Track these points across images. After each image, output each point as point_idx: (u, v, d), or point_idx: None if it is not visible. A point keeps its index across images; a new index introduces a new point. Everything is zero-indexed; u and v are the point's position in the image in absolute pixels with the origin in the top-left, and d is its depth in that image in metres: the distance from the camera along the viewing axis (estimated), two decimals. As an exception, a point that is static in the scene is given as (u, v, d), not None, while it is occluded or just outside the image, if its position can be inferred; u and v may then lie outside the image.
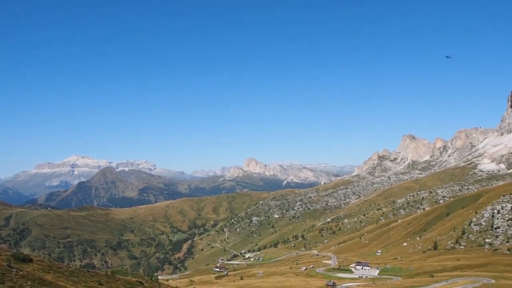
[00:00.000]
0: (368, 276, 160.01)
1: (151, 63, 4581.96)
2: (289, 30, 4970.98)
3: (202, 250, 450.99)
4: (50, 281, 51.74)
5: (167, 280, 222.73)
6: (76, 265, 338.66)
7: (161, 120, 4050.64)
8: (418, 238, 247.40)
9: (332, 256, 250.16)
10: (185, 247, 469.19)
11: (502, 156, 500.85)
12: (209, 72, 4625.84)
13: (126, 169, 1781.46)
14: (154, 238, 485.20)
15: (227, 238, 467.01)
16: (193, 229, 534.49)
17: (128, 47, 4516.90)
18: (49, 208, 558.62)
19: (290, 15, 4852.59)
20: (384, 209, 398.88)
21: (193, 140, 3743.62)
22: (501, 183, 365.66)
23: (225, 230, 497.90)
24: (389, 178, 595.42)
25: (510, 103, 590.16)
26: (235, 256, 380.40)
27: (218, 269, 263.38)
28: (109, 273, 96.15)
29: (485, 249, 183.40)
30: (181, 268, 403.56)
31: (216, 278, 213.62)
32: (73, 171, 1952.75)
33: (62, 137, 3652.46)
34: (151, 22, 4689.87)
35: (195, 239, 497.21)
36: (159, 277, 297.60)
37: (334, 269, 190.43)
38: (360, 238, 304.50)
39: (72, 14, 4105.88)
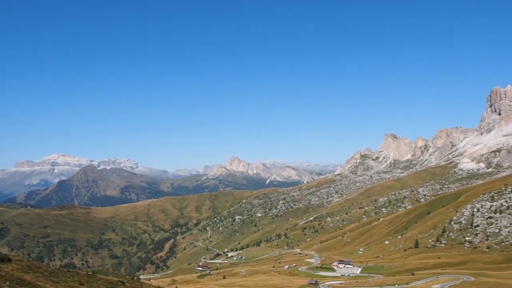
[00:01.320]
0: (351, 274, 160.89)
1: (132, 62, 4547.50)
2: (268, 30, 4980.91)
3: (184, 249, 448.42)
4: (29, 281, 50.56)
5: (149, 279, 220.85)
6: (56, 265, 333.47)
7: (143, 118, 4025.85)
8: (399, 237, 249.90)
9: (315, 254, 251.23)
10: (167, 246, 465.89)
11: (481, 155, 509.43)
12: (192, 71, 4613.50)
13: (108, 167, 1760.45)
14: (136, 237, 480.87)
15: (210, 237, 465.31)
16: (176, 228, 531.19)
17: (107, 46, 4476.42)
18: (28, 207, 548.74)
19: (269, 14, 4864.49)
20: (366, 208, 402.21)
21: (176, 138, 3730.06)
22: (480, 182, 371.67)
23: (207, 229, 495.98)
24: (371, 177, 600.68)
25: (489, 103, 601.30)
26: (218, 255, 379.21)
27: (200, 268, 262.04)
28: (90, 273, 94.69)
29: (465, 247, 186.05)
30: (163, 267, 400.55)
31: (199, 277, 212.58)
32: (54, 169, 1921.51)
33: (43, 135, 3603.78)
34: (133, 23, 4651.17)
35: (178, 238, 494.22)
36: (141, 276, 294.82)
37: (316, 267, 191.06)
38: (343, 236, 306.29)
39: (45, 14, 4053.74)
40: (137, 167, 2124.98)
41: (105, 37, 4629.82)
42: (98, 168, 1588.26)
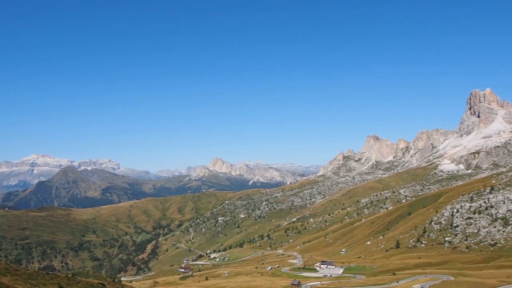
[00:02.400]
0: (333, 275, 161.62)
1: (115, 63, 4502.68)
2: (247, 32, 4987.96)
3: (166, 250, 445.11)
4: (7, 285, 49.50)
5: (131, 281, 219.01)
6: (34, 267, 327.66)
7: (125, 118, 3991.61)
8: (381, 237, 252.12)
9: (298, 255, 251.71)
10: (149, 247, 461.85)
11: (461, 157, 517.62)
12: (175, 73, 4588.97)
13: (89, 168, 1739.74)
14: (117, 239, 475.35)
15: (193, 238, 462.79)
16: (158, 230, 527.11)
17: (86, 46, 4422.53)
18: (6, 209, 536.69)
19: (249, 17, 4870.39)
20: (348, 209, 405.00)
21: (159, 139, 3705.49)
22: (460, 183, 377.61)
23: (190, 230, 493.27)
24: (354, 178, 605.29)
25: (469, 105, 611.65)
26: (201, 256, 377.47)
27: (183, 270, 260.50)
28: (69, 275, 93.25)
29: (445, 247, 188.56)
30: (145, 269, 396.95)
31: (181, 279, 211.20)
32: (33, 170, 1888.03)
33: (21, 135, 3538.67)
34: (116, 24, 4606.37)
35: (160, 239, 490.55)
36: (122, 278, 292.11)
37: (299, 268, 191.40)
38: (325, 237, 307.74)
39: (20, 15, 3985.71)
40: (119, 168, 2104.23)
41: (85, 37, 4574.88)
42: (79, 169, 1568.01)
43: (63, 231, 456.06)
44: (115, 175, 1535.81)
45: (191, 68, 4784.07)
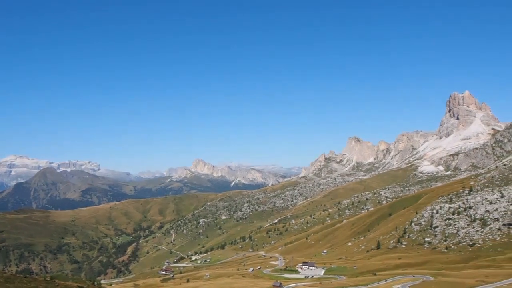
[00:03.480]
0: (314, 276, 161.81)
1: (93, 64, 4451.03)
2: (234, 34, 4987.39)
3: (147, 252, 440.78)
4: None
5: (110, 284, 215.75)
6: (12, 271, 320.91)
7: (106, 119, 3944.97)
8: (362, 238, 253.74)
9: (279, 256, 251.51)
10: (129, 250, 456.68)
11: (440, 158, 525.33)
12: (155, 74, 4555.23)
13: (68, 169, 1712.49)
14: (97, 241, 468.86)
15: (174, 240, 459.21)
16: (139, 232, 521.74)
17: (63, 46, 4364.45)
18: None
19: (234, 19, 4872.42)
20: (330, 210, 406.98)
21: (140, 140, 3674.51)
22: (439, 184, 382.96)
23: (171, 232, 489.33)
24: (335, 180, 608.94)
25: (448, 108, 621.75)
26: (182, 258, 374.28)
27: (164, 272, 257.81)
28: (48, 279, 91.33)
29: (425, 248, 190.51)
30: (126, 271, 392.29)
31: (162, 281, 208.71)
32: (10, 171, 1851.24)
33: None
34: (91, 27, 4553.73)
35: (141, 241, 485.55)
36: (102, 281, 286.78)
37: (281, 269, 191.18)
38: (307, 238, 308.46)
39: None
40: (99, 169, 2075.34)
41: (63, 38, 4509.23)
42: (58, 171, 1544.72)
43: (42, 233, 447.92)
44: (95, 176, 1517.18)
45: (172, 69, 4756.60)
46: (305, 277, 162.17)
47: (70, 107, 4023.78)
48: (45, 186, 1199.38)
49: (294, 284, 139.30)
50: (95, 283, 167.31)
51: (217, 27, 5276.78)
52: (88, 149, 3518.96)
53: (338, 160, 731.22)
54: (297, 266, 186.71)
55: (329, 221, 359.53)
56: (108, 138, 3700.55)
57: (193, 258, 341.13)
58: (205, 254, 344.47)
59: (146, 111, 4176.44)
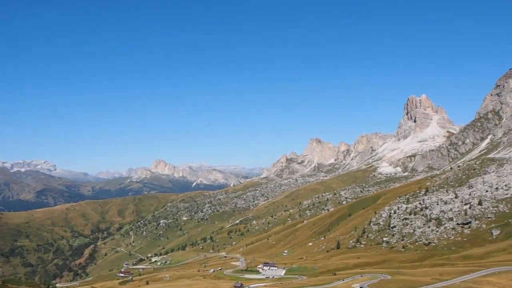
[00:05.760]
0: (275, 276, 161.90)
1: (49, 63, 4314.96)
2: (199, 36, 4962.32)
3: (105, 255, 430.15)
4: None
5: (66, 287, 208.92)
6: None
7: (63, 118, 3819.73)
8: (322, 238, 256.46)
9: (240, 257, 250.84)
10: (87, 252, 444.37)
11: (398, 160, 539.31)
12: (114, 74, 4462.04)
13: (22, 169, 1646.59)
14: (53, 244, 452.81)
15: (133, 242, 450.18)
16: (96, 233, 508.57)
17: (21, 44, 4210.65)
18: None
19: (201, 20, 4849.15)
20: (291, 210, 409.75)
21: (98, 140, 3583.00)
22: (397, 185, 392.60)
23: (130, 233, 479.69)
24: (297, 180, 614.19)
25: (406, 110, 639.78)
26: (141, 260, 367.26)
27: (122, 275, 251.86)
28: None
29: (383, 247, 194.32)
30: (83, 274, 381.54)
31: (120, 283, 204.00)
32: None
33: None
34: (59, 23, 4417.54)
35: (98, 243, 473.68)
36: (57, 285, 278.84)
37: (242, 270, 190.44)
38: (268, 239, 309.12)
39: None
40: (55, 169, 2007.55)
41: (19, 38, 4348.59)
42: (11, 171, 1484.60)
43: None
44: (51, 177, 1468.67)
45: (131, 69, 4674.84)
46: (266, 277, 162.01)
47: (25, 105, 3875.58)
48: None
49: (255, 285, 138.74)
50: (50, 286, 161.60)
51: (163, 27, 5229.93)
52: (44, 149, 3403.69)
53: (299, 161, 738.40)
54: (258, 266, 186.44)
55: (290, 221, 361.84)
56: (65, 137, 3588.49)
57: (153, 259, 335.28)
58: (165, 256, 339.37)
59: (105, 110, 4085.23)
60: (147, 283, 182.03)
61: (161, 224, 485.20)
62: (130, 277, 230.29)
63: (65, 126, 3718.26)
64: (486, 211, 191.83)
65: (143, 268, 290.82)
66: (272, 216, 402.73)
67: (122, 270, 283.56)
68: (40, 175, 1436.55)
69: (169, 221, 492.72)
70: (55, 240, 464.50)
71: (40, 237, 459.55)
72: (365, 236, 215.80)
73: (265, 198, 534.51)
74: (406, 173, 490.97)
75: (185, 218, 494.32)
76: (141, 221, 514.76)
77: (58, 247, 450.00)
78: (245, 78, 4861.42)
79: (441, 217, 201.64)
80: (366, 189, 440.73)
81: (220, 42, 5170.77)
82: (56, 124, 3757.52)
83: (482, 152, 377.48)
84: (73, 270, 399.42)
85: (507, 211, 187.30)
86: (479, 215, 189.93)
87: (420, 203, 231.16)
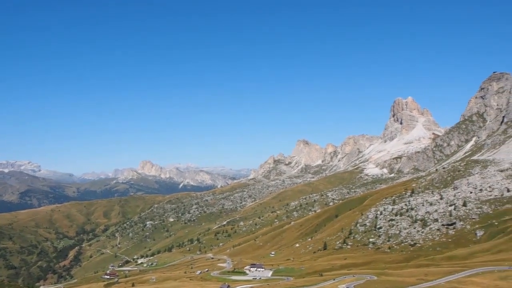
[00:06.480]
0: (262, 278, 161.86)
1: (33, 62, 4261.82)
2: (178, 36, 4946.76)
3: (91, 256, 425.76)
4: None
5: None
6: None
7: (47, 118, 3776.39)
8: (309, 239, 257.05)
9: (227, 259, 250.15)
10: (71, 254, 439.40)
11: (385, 161, 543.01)
12: (100, 74, 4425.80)
13: (6, 170, 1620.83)
14: (37, 246, 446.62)
15: (119, 244, 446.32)
16: (82, 235, 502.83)
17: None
18: None
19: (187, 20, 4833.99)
20: (278, 212, 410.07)
21: (84, 140, 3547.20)
22: (383, 186, 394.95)
23: (116, 235, 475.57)
24: (284, 182, 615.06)
25: (392, 112, 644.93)
26: (127, 262, 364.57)
27: (108, 277, 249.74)
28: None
29: (369, 248, 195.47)
30: (67, 276, 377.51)
31: (106, 286, 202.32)
32: None
33: None
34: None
35: (84, 245, 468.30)
36: (41, 287, 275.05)
37: (229, 272, 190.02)
38: (255, 240, 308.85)
39: None
40: (39, 170, 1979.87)
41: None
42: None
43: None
44: (36, 177, 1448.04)
45: (117, 70, 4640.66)
46: (253, 278, 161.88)
47: (8, 104, 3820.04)
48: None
49: (242, 286, 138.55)
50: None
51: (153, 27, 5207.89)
52: (28, 149, 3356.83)
53: (287, 162, 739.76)
54: (245, 268, 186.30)
55: (277, 222, 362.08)
56: (50, 137, 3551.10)
57: (139, 261, 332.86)
58: (151, 257, 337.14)
59: (91, 110, 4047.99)
60: (133, 285, 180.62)
61: (147, 225, 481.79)
62: (116, 279, 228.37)
63: (50, 127, 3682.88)
64: (471, 212, 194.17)
65: (129, 270, 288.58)
66: (259, 217, 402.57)
67: (108, 272, 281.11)
68: (24, 176, 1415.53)
69: (156, 222, 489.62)
70: (39, 242, 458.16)
71: (24, 239, 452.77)
72: (352, 237, 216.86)
73: (253, 199, 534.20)
74: (392, 175, 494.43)
75: (171, 220, 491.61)
76: (127, 223, 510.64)
77: (42, 249, 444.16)
78: (233, 79, 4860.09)
79: (427, 218, 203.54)
80: (353, 190, 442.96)
81: (207, 42, 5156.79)
82: (41, 124, 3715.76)
83: (467, 154, 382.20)
84: (57, 272, 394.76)
85: (491, 212, 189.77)
86: (463, 216, 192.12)
87: (406, 204, 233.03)
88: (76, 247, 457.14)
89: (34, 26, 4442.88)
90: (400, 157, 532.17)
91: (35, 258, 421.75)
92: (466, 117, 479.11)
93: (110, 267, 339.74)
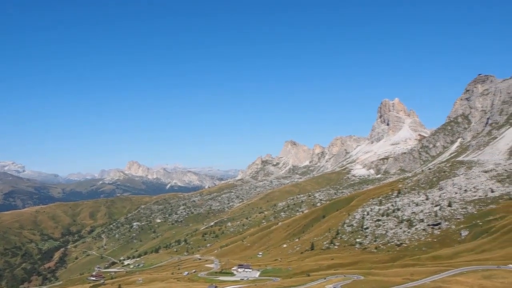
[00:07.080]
0: (250, 278, 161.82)
1: (18, 63, 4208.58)
2: (171, 37, 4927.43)
3: (76, 258, 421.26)
4: None
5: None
6: None
7: (32, 117, 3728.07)
8: (297, 240, 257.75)
9: (215, 259, 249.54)
10: (57, 255, 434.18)
11: (372, 162, 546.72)
12: (87, 74, 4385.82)
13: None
14: (21, 247, 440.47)
15: (105, 245, 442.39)
16: (67, 236, 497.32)
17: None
18: None
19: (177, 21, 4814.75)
20: (266, 212, 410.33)
21: (70, 140, 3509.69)
22: (370, 187, 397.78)
23: (102, 236, 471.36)
24: (271, 182, 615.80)
25: (379, 114, 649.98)
26: (114, 263, 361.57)
27: (94, 278, 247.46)
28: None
29: (356, 248, 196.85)
30: (52, 278, 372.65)
31: (92, 287, 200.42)
32: None
33: None
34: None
35: (69, 246, 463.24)
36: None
37: (216, 272, 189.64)
38: (243, 241, 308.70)
39: None
40: (24, 171, 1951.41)
41: None
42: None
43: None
44: (20, 178, 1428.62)
45: (104, 70, 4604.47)
46: (241, 279, 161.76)
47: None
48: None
49: (229, 287, 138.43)
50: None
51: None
52: (12, 149, 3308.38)
53: (274, 163, 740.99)
54: (233, 268, 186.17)
55: (265, 223, 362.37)
56: (34, 137, 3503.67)
57: (126, 262, 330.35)
58: (138, 259, 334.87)
59: (76, 109, 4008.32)
60: (119, 287, 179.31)
61: (134, 226, 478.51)
62: (102, 281, 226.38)
63: (35, 127, 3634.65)
64: (455, 212, 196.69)
65: (115, 272, 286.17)
66: (247, 218, 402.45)
67: (94, 273, 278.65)
68: (7, 177, 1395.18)
69: (143, 223, 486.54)
70: (23, 243, 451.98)
71: (7, 241, 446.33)
72: (339, 238, 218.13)
73: (240, 200, 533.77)
74: (379, 175, 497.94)
75: (159, 221, 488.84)
76: (114, 224, 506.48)
77: (27, 250, 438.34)
78: (220, 79, 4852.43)
79: (413, 219, 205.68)
80: (340, 191, 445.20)
81: (197, 43, 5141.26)
82: (26, 124, 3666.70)
83: (452, 155, 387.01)
84: (42, 274, 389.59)
85: (475, 212, 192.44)
86: (448, 217, 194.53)
87: (392, 205, 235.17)
88: (62, 249, 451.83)
89: (34, 26, 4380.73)
90: (386, 158, 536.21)
91: (19, 260, 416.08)
92: (451, 119, 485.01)
93: (96, 268, 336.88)
